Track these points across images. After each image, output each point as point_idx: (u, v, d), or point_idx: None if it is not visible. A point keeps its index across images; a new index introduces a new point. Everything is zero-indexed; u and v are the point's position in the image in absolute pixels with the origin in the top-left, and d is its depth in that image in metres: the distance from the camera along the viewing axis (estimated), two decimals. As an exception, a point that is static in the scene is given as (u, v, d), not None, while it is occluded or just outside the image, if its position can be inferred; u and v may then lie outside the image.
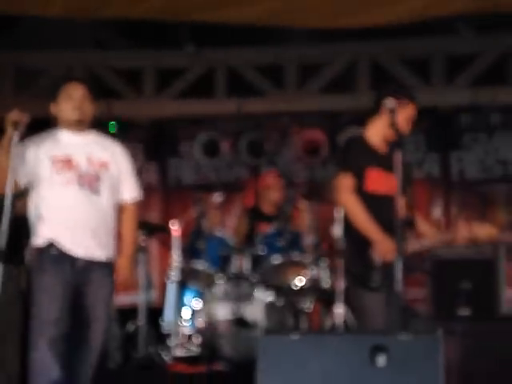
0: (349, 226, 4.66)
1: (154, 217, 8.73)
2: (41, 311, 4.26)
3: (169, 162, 9.03)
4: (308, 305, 6.81)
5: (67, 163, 4.37)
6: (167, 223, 7.16)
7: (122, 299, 8.51)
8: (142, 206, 8.69)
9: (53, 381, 4.19)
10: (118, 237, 4.51)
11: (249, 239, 7.06)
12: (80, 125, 4.45)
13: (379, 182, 4.56)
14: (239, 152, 8.72)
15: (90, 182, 4.38)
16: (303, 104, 8.42)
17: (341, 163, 4.66)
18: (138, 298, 6.96)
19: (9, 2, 6.10)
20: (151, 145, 8.87)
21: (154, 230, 7.12)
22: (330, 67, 8.33)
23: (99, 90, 8.50)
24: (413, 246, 4.56)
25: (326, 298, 7.01)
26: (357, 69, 8.29)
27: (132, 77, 8.50)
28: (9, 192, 4.13)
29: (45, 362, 4.20)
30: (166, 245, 7.20)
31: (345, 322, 6.70)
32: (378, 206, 4.50)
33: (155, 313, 7.08)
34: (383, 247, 4.45)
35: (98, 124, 8.63)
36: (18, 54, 8.37)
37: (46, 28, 7.89)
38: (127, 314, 7.24)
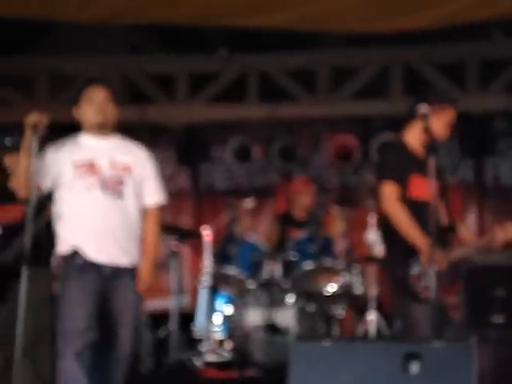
0: (393, 234, 4.53)
1: (185, 222, 8.74)
2: (66, 322, 4.23)
3: (200, 167, 9.03)
4: (340, 311, 6.80)
5: (90, 167, 4.33)
6: (199, 228, 7.17)
7: (154, 304, 8.56)
8: (174, 210, 8.97)
9: None
10: (142, 241, 4.46)
11: (280, 245, 7.05)
12: (102, 128, 4.40)
13: (421, 188, 4.46)
14: (271, 157, 8.69)
15: (114, 186, 4.32)
16: (335, 109, 8.36)
17: (382, 170, 4.60)
18: (170, 303, 6.96)
19: (44, 8, 6.13)
20: (183, 150, 8.86)
21: (185, 235, 7.12)
22: (363, 72, 8.26)
23: (133, 95, 8.59)
24: (457, 252, 4.50)
25: (358, 305, 7.00)
26: (390, 74, 8.22)
27: (165, 81, 8.50)
28: (32, 196, 4.12)
29: (72, 373, 4.18)
30: (197, 250, 7.18)
31: (378, 329, 6.70)
32: (422, 212, 4.37)
33: (187, 318, 7.09)
34: (431, 255, 4.33)
35: (131, 129, 8.71)
36: (52, 59, 8.39)
37: (80, 33, 7.91)
38: (159, 319, 7.26)
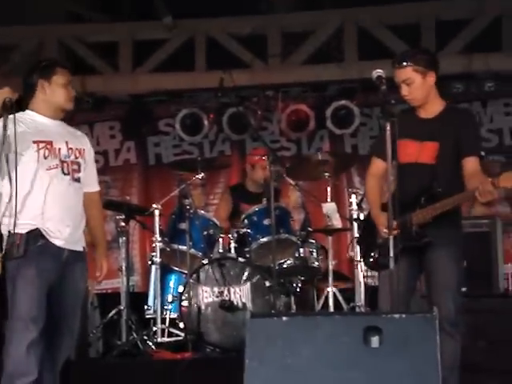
0: None
1: (133, 198, 8.59)
2: (21, 307, 4.13)
3: (148, 140, 8.79)
4: (297, 285, 6.66)
5: (51, 149, 4.28)
6: (148, 204, 6.98)
7: (102, 284, 8.29)
8: (121, 186, 8.70)
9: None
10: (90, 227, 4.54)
11: (233, 218, 6.87)
12: (61, 114, 4.41)
13: (409, 151, 4.49)
14: (222, 128, 8.44)
15: (72, 169, 4.33)
16: (288, 75, 8.25)
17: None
18: (119, 283, 6.74)
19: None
20: (129, 122, 8.63)
21: (133, 211, 6.85)
22: (315, 36, 8.06)
23: (73, 66, 8.25)
24: (417, 218, 4.41)
25: (315, 278, 6.83)
26: (343, 37, 8.03)
27: (107, 51, 8.23)
28: None
29: (24, 364, 4.10)
30: (146, 227, 6.91)
31: (336, 302, 6.53)
32: (408, 175, 4.42)
33: (138, 298, 6.95)
34: (384, 224, 4.38)
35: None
36: None
37: (16, 1, 7.61)
38: (108, 300, 7.06)
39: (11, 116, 4.07)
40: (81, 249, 4.35)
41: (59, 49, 8.24)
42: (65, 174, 4.28)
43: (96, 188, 4.56)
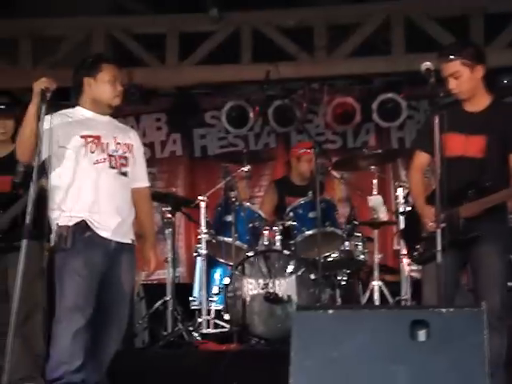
0: None
1: (179, 189, 8.61)
2: (68, 296, 4.20)
3: (194, 132, 8.79)
4: (342, 278, 6.63)
5: (98, 143, 4.34)
6: (193, 196, 6.98)
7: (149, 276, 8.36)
8: (167, 178, 8.74)
9: (72, 371, 4.15)
10: (139, 222, 4.56)
11: (279, 211, 6.87)
12: (111, 109, 4.46)
13: (456, 145, 4.45)
14: (267, 120, 8.42)
15: (119, 163, 4.38)
16: (334, 68, 8.18)
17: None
18: (165, 274, 6.78)
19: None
20: (175, 114, 8.64)
21: (180, 203, 6.87)
22: (362, 28, 8.00)
23: (120, 58, 8.33)
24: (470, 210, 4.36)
25: (361, 272, 6.80)
26: (390, 29, 7.96)
27: (154, 43, 8.26)
28: (35, 164, 4.06)
29: (68, 353, 4.16)
30: (192, 219, 6.93)
31: (382, 296, 6.49)
32: (455, 169, 4.36)
33: (183, 289, 6.97)
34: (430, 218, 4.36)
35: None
36: (35, 21, 8.16)
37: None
38: (154, 291, 7.08)
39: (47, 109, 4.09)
40: (129, 241, 4.39)
41: (107, 41, 8.26)
42: (112, 168, 4.33)
43: (145, 183, 4.58)
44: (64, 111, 4.40)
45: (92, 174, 4.29)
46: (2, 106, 5.10)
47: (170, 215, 6.67)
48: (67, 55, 8.01)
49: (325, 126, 8.59)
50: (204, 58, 8.28)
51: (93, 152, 4.30)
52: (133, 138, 4.51)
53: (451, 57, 4.39)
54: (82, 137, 4.30)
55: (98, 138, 4.32)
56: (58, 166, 4.30)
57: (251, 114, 8.41)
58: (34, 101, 4.10)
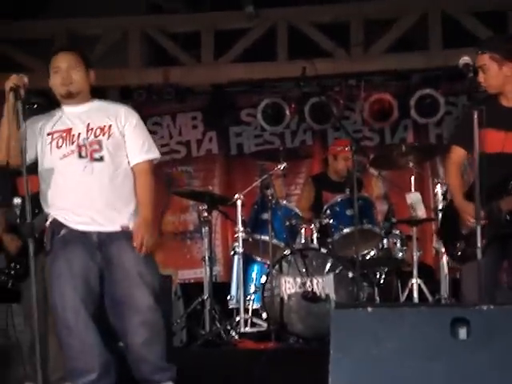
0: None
1: (215, 188, 8.59)
2: (55, 298, 4.16)
3: (230, 130, 8.79)
4: (381, 276, 6.59)
5: (66, 136, 4.22)
6: (229, 194, 6.98)
7: (185, 275, 8.38)
8: (203, 176, 8.74)
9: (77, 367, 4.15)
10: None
11: (316, 209, 6.82)
12: (71, 98, 4.28)
13: (494, 141, 4.42)
14: (304, 117, 8.38)
15: (92, 149, 4.20)
16: (371, 64, 8.12)
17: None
18: (202, 273, 6.79)
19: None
20: (211, 112, 8.65)
21: (216, 201, 6.85)
22: (399, 24, 7.92)
23: (156, 57, 8.37)
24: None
25: (399, 269, 6.74)
26: (427, 25, 7.89)
27: (189, 41, 8.28)
28: (23, 168, 3.93)
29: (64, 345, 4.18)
30: (229, 217, 6.92)
31: (421, 294, 6.43)
32: (494, 165, 4.31)
33: (220, 288, 6.95)
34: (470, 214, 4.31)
35: (155, 91, 8.49)
36: (71, 21, 8.23)
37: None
38: (191, 290, 7.08)
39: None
40: (117, 228, 4.19)
41: (142, 40, 8.30)
42: (81, 158, 4.17)
43: (138, 159, 4.30)
44: (42, 115, 4.32)
45: (60, 169, 4.18)
46: (34, 106, 5.11)
47: (206, 214, 6.66)
48: (103, 55, 8.04)
49: (362, 122, 8.53)
50: (239, 56, 8.28)
51: (60, 147, 4.19)
52: (113, 117, 4.27)
53: (482, 49, 4.36)
54: (49, 134, 4.23)
55: (67, 130, 4.22)
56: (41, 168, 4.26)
57: (287, 112, 8.39)
58: (7, 101, 3.99)
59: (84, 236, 4.15)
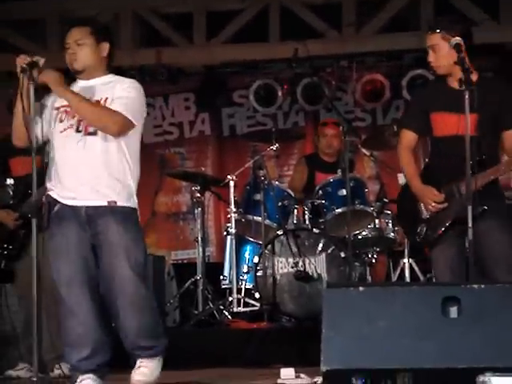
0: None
1: (208, 169, 8.58)
2: (54, 273, 4.16)
3: (222, 111, 8.77)
4: (372, 256, 6.61)
5: (67, 111, 4.19)
6: (222, 175, 6.97)
7: (179, 255, 8.40)
8: (196, 157, 8.74)
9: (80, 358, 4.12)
10: None
11: (308, 189, 6.82)
12: (79, 73, 4.23)
13: (445, 124, 4.40)
14: (296, 98, 8.37)
15: (87, 124, 4.15)
16: (363, 45, 8.10)
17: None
18: (195, 254, 6.82)
19: None
20: (203, 94, 8.63)
21: (209, 182, 6.87)
22: (391, 3, 7.90)
23: (148, 38, 8.33)
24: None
25: (391, 249, 6.78)
26: (419, 4, 7.87)
27: (181, 22, 8.24)
28: (33, 145, 3.96)
29: (66, 321, 4.17)
30: (222, 198, 6.93)
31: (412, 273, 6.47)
32: (446, 148, 4.38)
33: (213, 268, 6.98)
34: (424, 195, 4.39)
35: (147, 72, 8.44)
36: (63, 2, 8.20)
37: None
38: (184, 270, 7.11)
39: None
40: (104, 203, 4.13)
41: (134, 21, 8.26)
42: (78, 132, 4.14)
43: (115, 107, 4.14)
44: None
45: (59, 143, 4.18)
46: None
47: (199, 195, 6.68)
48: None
49: (354, 103, 8.51)
50: (232, 37, 8.24)
51: (62, 121, 4.18)
52: (110, 90, 4.19)
53: (432, 29, 4.33)
54: (56, 108, 4.21)
55: (68, 105, 4.19)
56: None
57: (279, 93, 8.38)
58: (19, 80, 3.97)
59: (74, 211, 4.14)
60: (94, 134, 4.14)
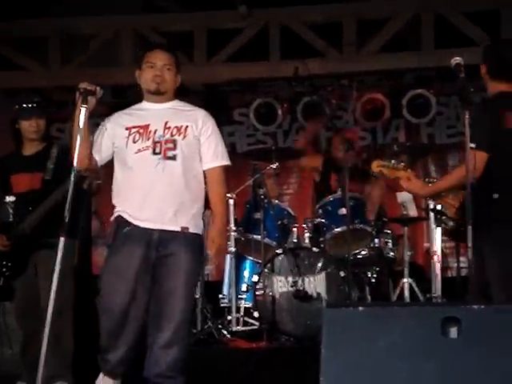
0: None
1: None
2: (105, 295, 4.21)
3: (223, 130, 8.74)
4: (372, 275, 6.62)
5: (143, 132, 4.25)
6: None
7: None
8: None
9: (112, 363, 4.23)
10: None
11: (323, 182, 6.95)
12: (158, 95, 4.33)
13: None
14: (296, 117, 8.39)
15: (165, 147, 4.22)
16: (363, 64, 8.11)
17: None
18: None
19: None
20: (204, 112, 8.60)
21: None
22: (391, 23, 7.93)
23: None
24: None
25: (391, 269, 6.77)
26: (420, 24, 7.91)
27: (182, 40, 8.25)
28: (74, 166, 4.07)
29: (105, 346, 4.24)
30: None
31: (412, 293, 6.45)
32: None
33: (212, 287, 6.95)
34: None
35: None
36: (64, 20, 8.21)
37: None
38: None
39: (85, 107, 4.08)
40: (177, 229, 4.18)
41: (135, 39, 8.28)
42: (155, 154, 4.19)
43: (212, 164, 4.35)
44: (123, 110, 4.40)
45: (133, 164, 4.21)
46: (35, 105, 5.12)
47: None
48: (96, 54, 8.03)
49: (354, 122, 8.54)
50: (232, 55, 8.25)
51: (135, 142, 4.22)
52: (192, 119, 4.32)
53: None
54: (127, 128, 4.25)
55: (144, 127, 4.24)
56: (116, 163, 4.32)
57: (280, 111, 8.39)
58: (76, 105, 4.11)
59: (145, 233, 4.17)
60: (173, 158, 4.21)
